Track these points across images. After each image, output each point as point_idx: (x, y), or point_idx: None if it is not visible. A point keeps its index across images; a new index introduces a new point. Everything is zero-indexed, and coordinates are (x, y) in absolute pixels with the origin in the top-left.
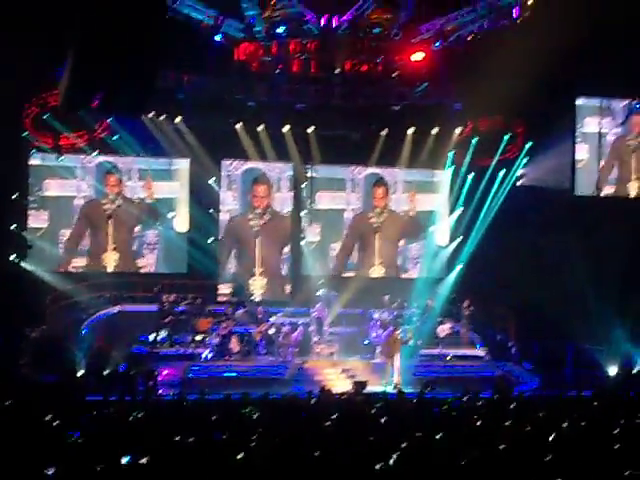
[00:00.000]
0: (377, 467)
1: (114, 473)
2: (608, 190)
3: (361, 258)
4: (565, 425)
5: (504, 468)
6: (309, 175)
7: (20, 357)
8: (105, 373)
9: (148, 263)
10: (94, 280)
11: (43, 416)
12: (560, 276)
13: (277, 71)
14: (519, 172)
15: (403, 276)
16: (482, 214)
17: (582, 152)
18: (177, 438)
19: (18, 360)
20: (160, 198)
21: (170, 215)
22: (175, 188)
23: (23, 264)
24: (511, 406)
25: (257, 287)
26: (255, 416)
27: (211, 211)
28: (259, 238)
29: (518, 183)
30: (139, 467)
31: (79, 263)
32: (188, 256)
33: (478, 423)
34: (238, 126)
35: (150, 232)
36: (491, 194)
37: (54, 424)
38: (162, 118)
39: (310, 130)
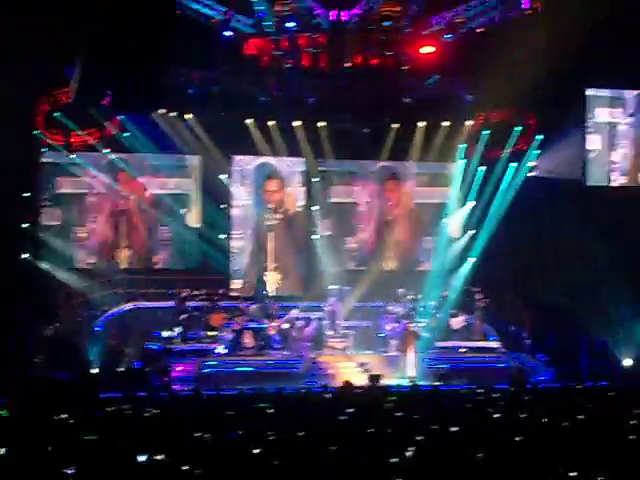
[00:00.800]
0: (393, 461)
1: (131, 471)
2: (620, 180)
3: (376, 251)
4: (581, 417)
5: (520, 460)
6: (321, 169)
7: (34, 355)
8: (119, 370)
9: (161, 259)
10: (107, 277)
11: (58, 414)
12: (574, 267)
13: (287, 66)
14: (531, 164)
15: (416, 269)
16: (494, 206)
17: (594, 142)
18: (195, 434)
19: (32, 358)
20: (172, 194)
21: (182, 211)
22: (187, 184)
23: (36, 262)
24: (526, 398)
25: (271, 282)
26: (270, 411)
27: (223, 206)
28: (272, 234)
29: (530, 175)
30: (156, 464)
31: (92, 260)
32: (201, 252)
33: (495, 415)
34: (249, 121)
35: (163, 228)
36: (503, 186)
37: (69, 422)
38: (173, 115)
39: (321, 124)
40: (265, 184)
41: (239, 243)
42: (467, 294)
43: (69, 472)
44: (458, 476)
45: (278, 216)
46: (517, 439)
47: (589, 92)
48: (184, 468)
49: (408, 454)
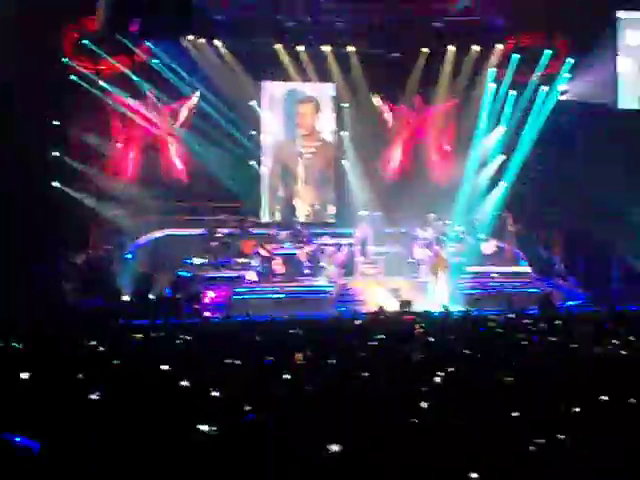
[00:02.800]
0: (423, 389)
1: (161, 396)
2: None
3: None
4: (613, 341)
5: (548, 384)
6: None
7: (66, 283)
8: (151, 297)
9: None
10: (138, 204)
11: (89, 340)
12: (604, 192)
13: None
14: (561, 88)
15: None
16: (525, 131)
17: (625, 65)
18: (227, 361)
19: (64, 286)
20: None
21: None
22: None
23: (66, 190)
24: (557, 322)
25: (301, 209)
26: (301, 337)
27: (253, 133)
28: (304, 159)
29: (561, 99)
30: (185, 389)
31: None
32: (232, 179)
33: (524, 342)
34: (278, 46)
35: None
36: (534, 111)
37: (100, 349)
38: (202, 41)
39: (350, 49)
40: (298, 107)
41: (269, 170)
42: (498, 219)
43: (94, 397)
44: (486, 400)
45: (310, 142)
46: (545, 364)
47: (619, 14)
48: (214, 394)
49: (437, 380)
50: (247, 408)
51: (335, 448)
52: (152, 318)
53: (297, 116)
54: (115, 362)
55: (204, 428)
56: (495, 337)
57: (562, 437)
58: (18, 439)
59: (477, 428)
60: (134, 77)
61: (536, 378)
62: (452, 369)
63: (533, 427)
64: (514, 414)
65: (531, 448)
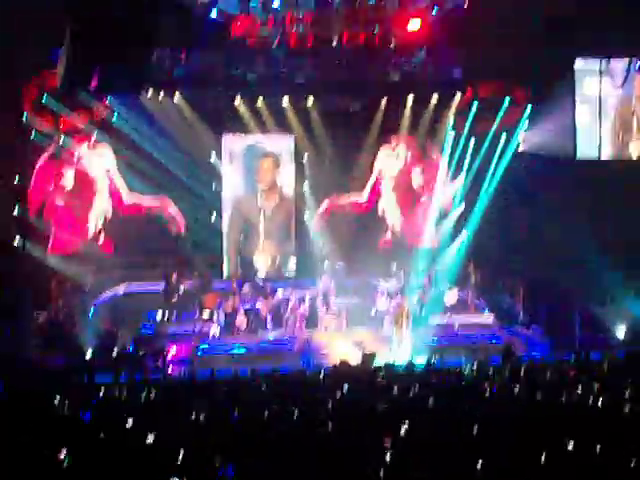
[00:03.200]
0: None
1: (125, 454)
2: (610, 152)
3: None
4: (577, 390)
5: (517, 434)
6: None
7: (28, 341)
8: (114, 354)
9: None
10: (98, 262)
11: (53, 399)
12: (566, 240)
13: (274, 46)
14: (521, 137)
15: (409, 243)
16: (486, 180)
17: (583, 115)
18: (192, 417)
19: (26, 344)
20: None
21: None
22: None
23: (27, 246)
24: (521, 372)
25: (262, 262)
26: (264, 391)
27: (214, 187)
28: (264, 215)
29: (520, 149)
30: (149, 447)
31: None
32: (192, 233)
33: (487, 392)
34: (237, 100)
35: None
36: (494, 160)
37: (65, 407)
38: (161, 95)
39: (310, 103)
40: (258, 163)
41: (230, 224)
42: (460, 269)
43: (62, 456)
44: (452, 452)
45: (271, 197)
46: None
47: (578, 64)
48: (177, 449)
49: (402, 431)
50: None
51: None
52: (115, 374)
53: (257, 171)
54: (79, 421)
55: None
56: (459, 388)
57: None
58: None
59: None
60: (94, 132)
61: (499, 428)
62: (415, 421)
63: (499, 476)
64: (479, 464)
65: None
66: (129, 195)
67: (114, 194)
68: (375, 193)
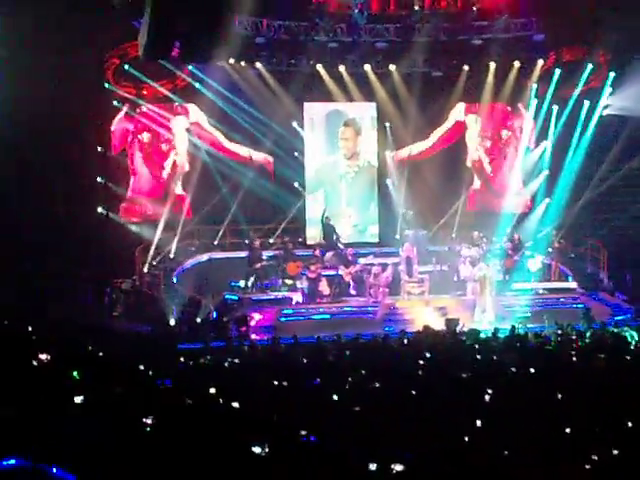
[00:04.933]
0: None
1: (209, 418)
2: None
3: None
4: None
5: (597, 402)
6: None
7: (113, 308)
8: (198, 321)
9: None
10: (182, 229)
11: (137, 365)
12: None
13: (356, 11)
14: (604, 102)
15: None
16: (570, 146)
17: None
18: (274, 383)
19: (111, 311)
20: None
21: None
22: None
23: (111, 215)
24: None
25: (345, 229)
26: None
27: (296, 154)
28: (347, 181)
29: (604, 113)
30: (233, 411)
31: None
32: (275, 200)
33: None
34: (319, 67)
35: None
36: (577, 125)
37: (149, 373)
38: (243, 64)
39: (392, 68)
40: (340, 132)
41: (313, 191)
42: (544, 235)
43: (148, 421)
44: (535, 417)
45: (352, 163)
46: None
47: None
48: (259, 416)
49: (487, 397)
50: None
51: (399, 468)
52: (200, 341)
53: (340, 139)
54: (165, 387)
55: (257, 450)
56: (543, 354)
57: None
58: (55, 470)
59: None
60: (176, 100)
61: (583, 394)
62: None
63: (590, 440)
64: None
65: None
66: (226, 142)
67: (212, 143)
68: (446, 140)
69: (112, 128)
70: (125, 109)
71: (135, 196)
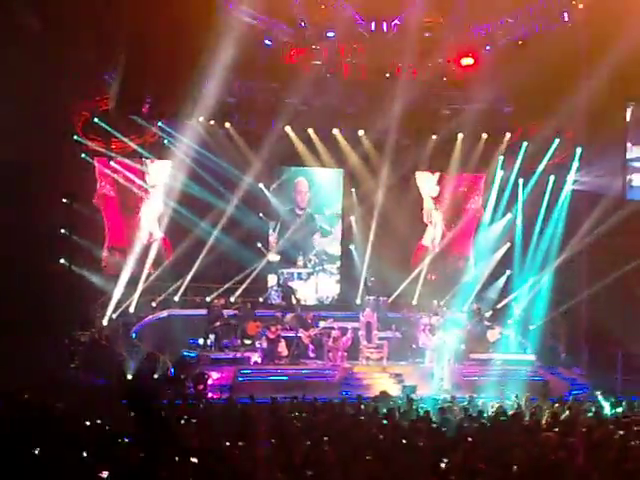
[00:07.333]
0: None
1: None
2: None
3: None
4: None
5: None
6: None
7: (71, 361)
8: (155, 377)
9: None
10: (144, 284)
11: (93, 420)
12: (611, 282)
13: (328, 75)
14: (571, 177)
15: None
16: (537, 219)
17: (635, 153)
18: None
19: (69, 364)
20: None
21: None
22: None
23: (73, 267)
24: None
25: (306, 292)
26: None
27: (261, 215)
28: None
29: (571, 189)
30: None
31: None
32: (238, 259)
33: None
34: (287, 129)
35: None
36: (543, 199)
37: (105, 428)
38: (212, 123)
39: (361, 133)
40: (295, 185)
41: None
42: (503, 306)
43: (104, 476)
44: None
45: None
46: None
47: (630, 107)
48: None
49: (443, 465)
50: None
51: None
52: (156, 398)
53: (296, 193)
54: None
55: None
56: (499, 424)
57: None
58: None
59: None
60: (145, 155)
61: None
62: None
63: None
64: None
65: None
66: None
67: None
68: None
69: (79, 180)
70: (95, 163)
71: (110, 247)
